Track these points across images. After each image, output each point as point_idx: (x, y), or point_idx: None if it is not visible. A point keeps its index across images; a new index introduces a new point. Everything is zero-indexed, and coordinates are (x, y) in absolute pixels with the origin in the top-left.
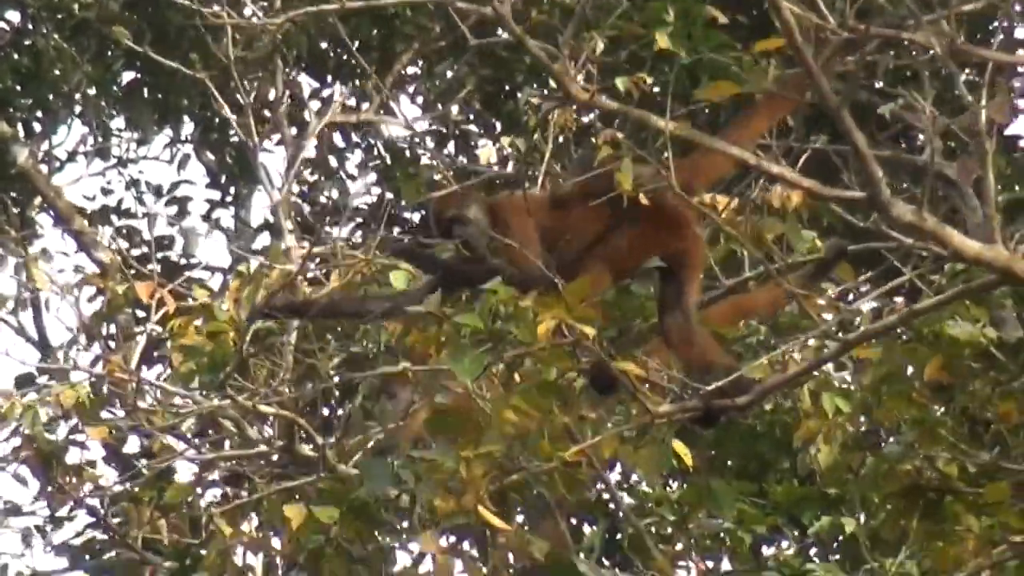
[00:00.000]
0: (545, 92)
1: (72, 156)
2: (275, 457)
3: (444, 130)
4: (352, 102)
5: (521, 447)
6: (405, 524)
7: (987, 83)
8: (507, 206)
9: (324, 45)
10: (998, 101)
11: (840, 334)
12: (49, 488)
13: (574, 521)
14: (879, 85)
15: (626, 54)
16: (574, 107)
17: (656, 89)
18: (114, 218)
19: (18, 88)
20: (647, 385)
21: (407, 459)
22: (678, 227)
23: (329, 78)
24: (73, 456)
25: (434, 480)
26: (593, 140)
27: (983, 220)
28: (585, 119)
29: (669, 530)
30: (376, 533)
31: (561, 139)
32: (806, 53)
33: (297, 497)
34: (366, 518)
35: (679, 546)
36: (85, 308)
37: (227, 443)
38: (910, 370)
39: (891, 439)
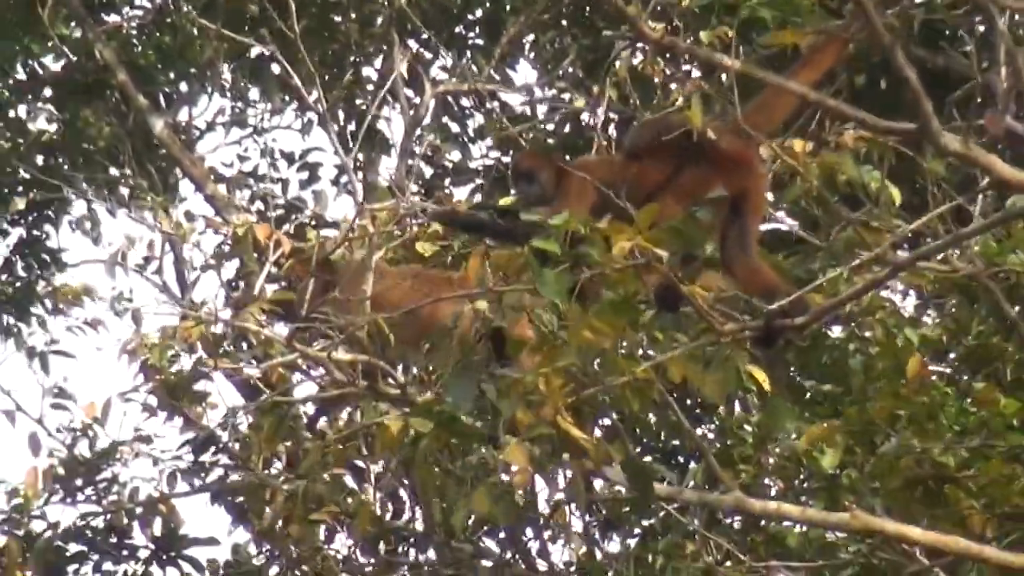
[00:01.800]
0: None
1: (211, 126)
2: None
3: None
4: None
5: (596, 363)
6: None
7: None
8: (578, 166)
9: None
10: (992, 115)
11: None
12: (176, 417)
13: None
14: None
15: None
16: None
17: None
18: (251, 182)
19: (159, 64)
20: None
21: (488, 375)
22: (741, 166)
23: (442, 50)
24: (199, 387)
25: (515, 394)
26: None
27: None
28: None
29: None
30: (462, 445)
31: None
32: None
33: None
34: (453, 430)
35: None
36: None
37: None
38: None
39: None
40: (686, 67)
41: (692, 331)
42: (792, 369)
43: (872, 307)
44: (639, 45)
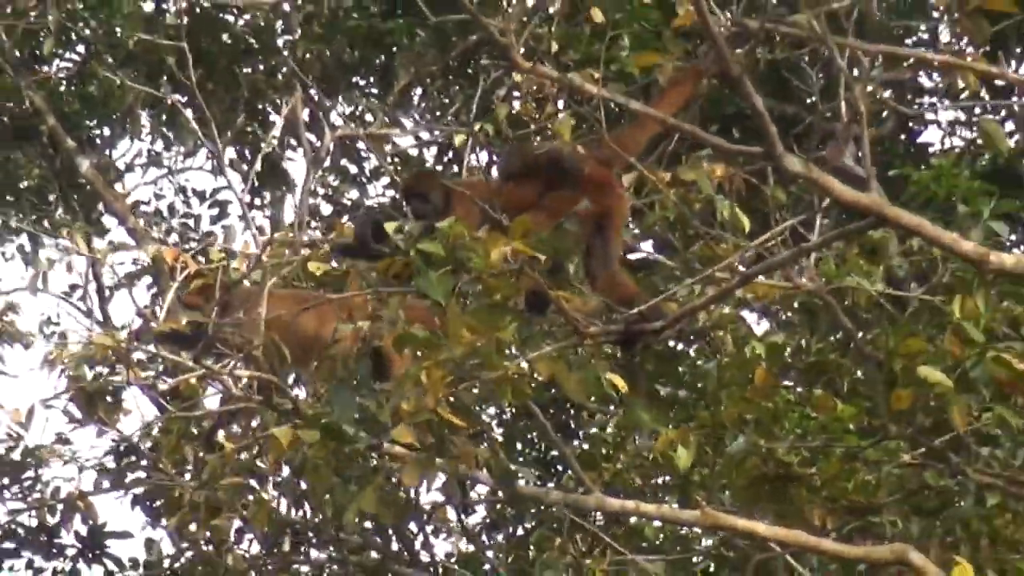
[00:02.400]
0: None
1: (130, 167)
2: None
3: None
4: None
5: (473, 359)
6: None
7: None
8: (461, 187)
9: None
10: (863, 83)
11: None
12: (93, 423)
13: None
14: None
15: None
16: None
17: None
18: (166, 217)
19: (84, 111)
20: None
21: (368, 390)
22: (604, 187)
23: (340, 98)
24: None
25: (401, 388)
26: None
27: (863, 173)
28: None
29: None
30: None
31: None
32: (711, 24)
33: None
34: (338, 439)
35: (618, 465)
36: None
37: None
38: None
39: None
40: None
41: (559, 333)
42: (650, 379)
43: (723, 322)
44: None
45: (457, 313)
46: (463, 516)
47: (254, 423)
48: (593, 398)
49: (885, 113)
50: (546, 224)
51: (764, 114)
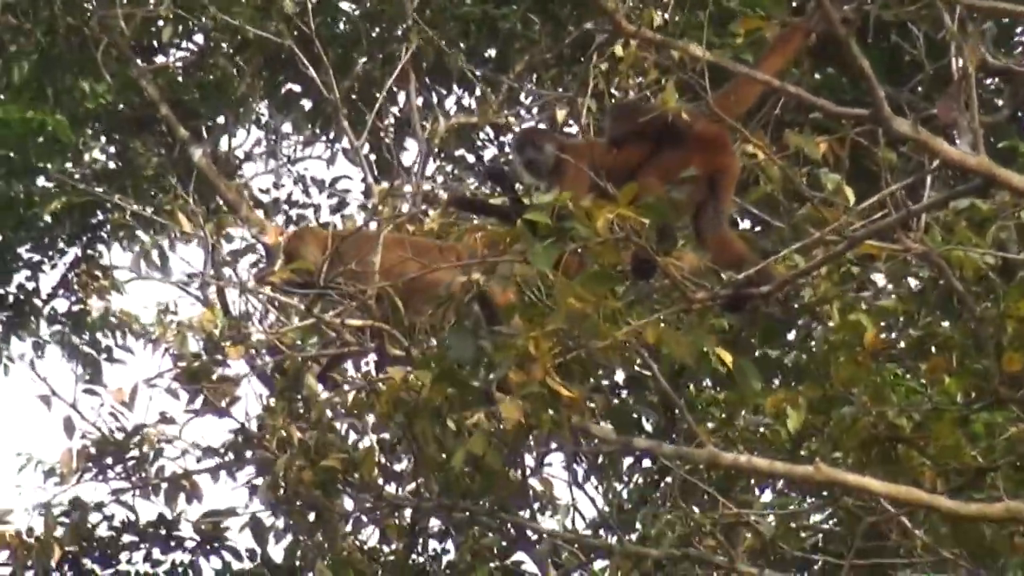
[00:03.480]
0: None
1: (249, 156)
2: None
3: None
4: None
5: (580, 328)
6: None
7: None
8: (572, 148)
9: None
10: (972, 42)
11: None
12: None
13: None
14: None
15: None
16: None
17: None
18: (286, 207)
19: (200, 100)
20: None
21: (486, 333)
22: (715, 147)
23: (455, 86)
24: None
25: (508, 355)
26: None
27: (969, 133)
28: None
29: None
30: (460, 397)
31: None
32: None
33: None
34: (453, 382)
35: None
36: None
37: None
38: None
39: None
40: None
41: (666, 299)
42: (757, 346)
43: (830, 296)
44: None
45: (565, 282)
46: (574, 464)
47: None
48: (699, 369)
49: (1000, 103)
50: (656, 187)
51: (871, 76)
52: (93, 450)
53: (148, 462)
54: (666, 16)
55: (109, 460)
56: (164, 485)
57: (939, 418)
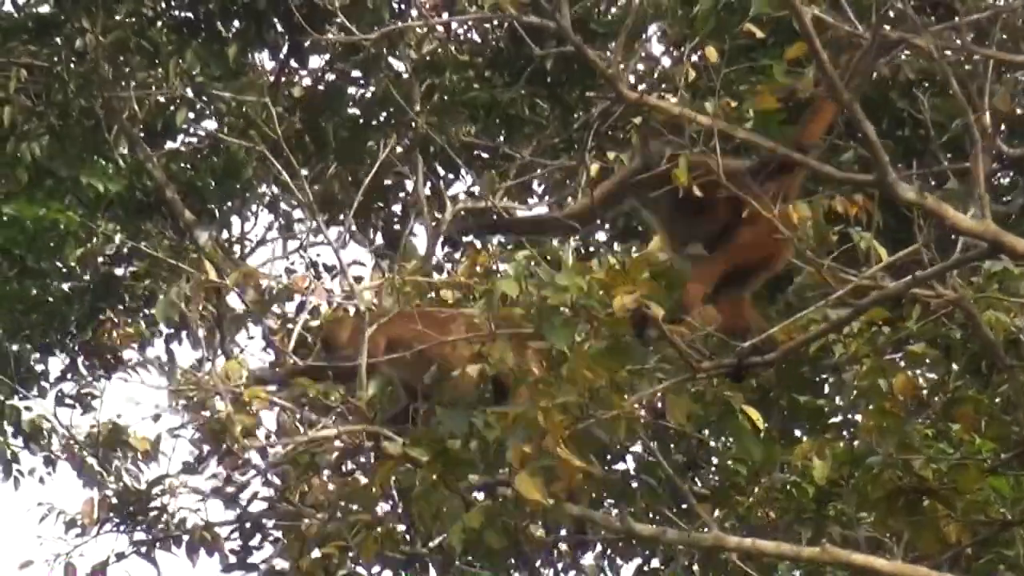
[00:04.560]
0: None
1: (262, 241)
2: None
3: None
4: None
5: (593, 398)
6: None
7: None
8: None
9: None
10: (1001, 93)
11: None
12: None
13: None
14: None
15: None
16: None
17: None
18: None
19: (209, 184)
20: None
21: (480, 411)
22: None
23: (462, 171)
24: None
25: (520, 430)
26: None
27: (976, 199)
28: None
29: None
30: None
31: None
32: (822, 55)
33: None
34: (447, 458)
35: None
36: None
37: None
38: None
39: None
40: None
41: (671, 368)
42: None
43: (859, 355)
44: None
45: (583, 355)
46: (578, 555)
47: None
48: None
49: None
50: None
51: (875, 141)
52: (115, 500)
53: (169, 513)
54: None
55: (131, 510)
56: (185, 537)
57: (966, 470)
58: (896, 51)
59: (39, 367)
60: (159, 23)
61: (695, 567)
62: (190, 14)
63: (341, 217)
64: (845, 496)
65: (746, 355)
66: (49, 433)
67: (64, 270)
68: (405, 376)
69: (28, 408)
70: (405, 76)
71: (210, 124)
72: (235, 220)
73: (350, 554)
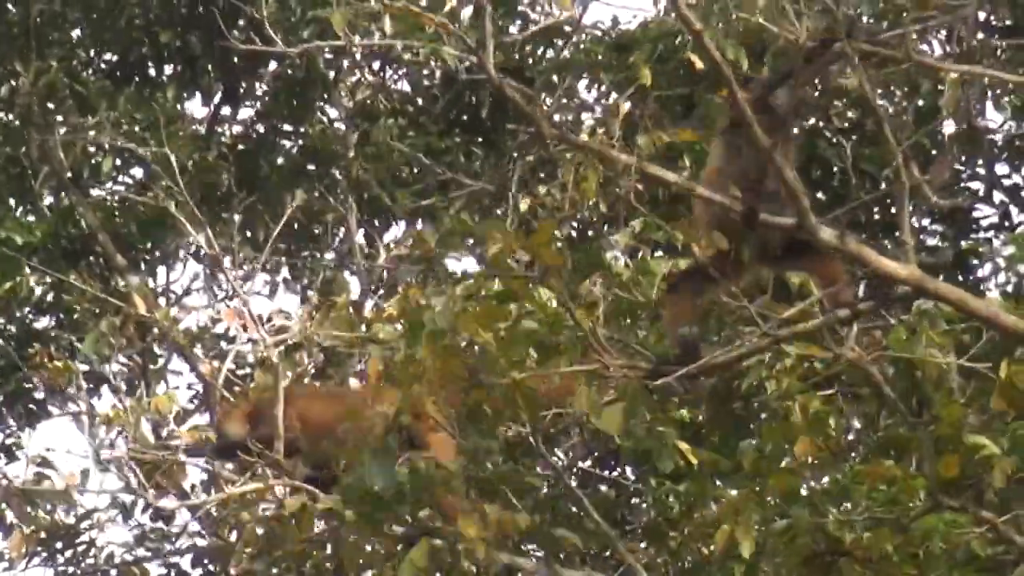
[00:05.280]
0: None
1: (187, 291)
2: None
3: None
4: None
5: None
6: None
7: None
8: None
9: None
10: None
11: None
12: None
13: None
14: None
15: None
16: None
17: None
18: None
19: (137, 233)
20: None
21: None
22: None
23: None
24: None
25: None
26: None
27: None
28: None
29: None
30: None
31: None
32: (739, 100)
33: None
34: (374, 507)
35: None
36: None
37: None
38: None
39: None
40: None
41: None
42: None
43: (791, 392)
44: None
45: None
46: None
47: None
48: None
49: (944, 244)
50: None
51: (794, 186)
52: (43, 534)
53: (97, 547)
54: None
55: (59, 545)
56: (113, 572)
57: (879, 529)
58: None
59: None
60: (90, 69)
61: None
62: (122, 58)
63: (268, 266)
64: (765, 559)
65: (663, 363)
66: None
67: None
68: (315, 448)
69: None
70: (339, 124)
71: (137, 172)
72: (160, 269)
73: None
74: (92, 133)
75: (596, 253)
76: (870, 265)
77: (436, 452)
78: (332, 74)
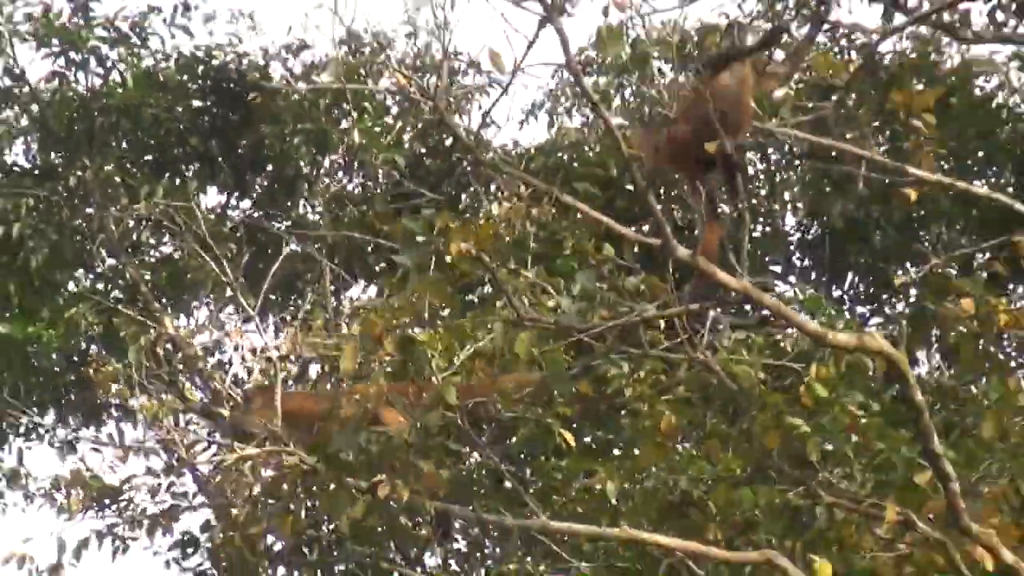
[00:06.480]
0: None
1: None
2: None
3: None
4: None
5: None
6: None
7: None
8: None
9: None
10: None
11: None
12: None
13: None
14: None
15: None
16: None
17: None
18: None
19: (168, 285)
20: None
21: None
22: None
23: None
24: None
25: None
26: None
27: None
28: None
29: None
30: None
31: None
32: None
33: None
34: (341, 467)
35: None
36: None
37: None
38: None
39: None
40: None
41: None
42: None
43: (645, 395)
44: None
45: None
46: (445, 544)
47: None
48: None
49: None
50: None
51: (658, 214)
52: (94, 493)
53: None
54: None
55: (107, 501)
56: (146, 521)
57: (718, 486)
58: None
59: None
60: (136, 165)
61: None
62: (160, 158)
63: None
64: (628, 512)
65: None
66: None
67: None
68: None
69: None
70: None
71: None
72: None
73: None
74: (137, 211)
75: None
76: (713, 278)
77: (389, 426)
78: (313, 172)
